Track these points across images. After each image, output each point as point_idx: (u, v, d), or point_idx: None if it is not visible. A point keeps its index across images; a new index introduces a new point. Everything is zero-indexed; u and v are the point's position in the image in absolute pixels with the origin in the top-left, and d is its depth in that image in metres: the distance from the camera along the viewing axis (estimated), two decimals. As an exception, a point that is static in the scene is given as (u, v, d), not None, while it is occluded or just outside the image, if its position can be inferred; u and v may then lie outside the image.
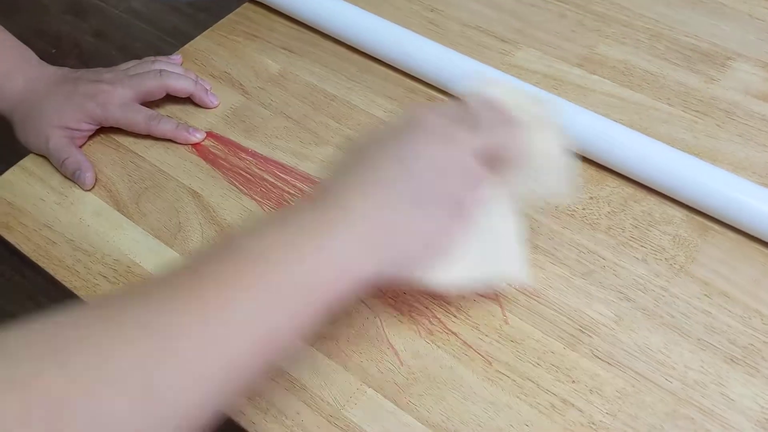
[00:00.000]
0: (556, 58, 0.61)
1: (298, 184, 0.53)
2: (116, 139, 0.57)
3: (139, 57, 0.60)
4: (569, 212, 0.51)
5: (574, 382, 0.43)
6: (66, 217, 0.52)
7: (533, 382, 0.43)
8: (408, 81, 0.61)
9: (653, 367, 0.44)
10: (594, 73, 0.60)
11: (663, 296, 0.46)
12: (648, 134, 0.53)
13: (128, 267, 0.49)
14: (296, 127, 0.58)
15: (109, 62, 0.59)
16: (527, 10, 0.66)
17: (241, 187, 0.53)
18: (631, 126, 0.54)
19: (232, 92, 0.60)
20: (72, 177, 0.53)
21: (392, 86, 0.60)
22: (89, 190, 0.54)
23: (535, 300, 0.47)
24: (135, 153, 0.56)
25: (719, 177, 0.49)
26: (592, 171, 0.53)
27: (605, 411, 0.42)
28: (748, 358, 0.44)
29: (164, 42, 1.51)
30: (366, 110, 0.59)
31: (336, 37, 0.63)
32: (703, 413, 0.42)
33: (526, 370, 0.44)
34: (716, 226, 0.50)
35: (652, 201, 0.51)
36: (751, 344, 0.44)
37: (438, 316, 0.46)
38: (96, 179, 0.54)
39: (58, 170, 0.54)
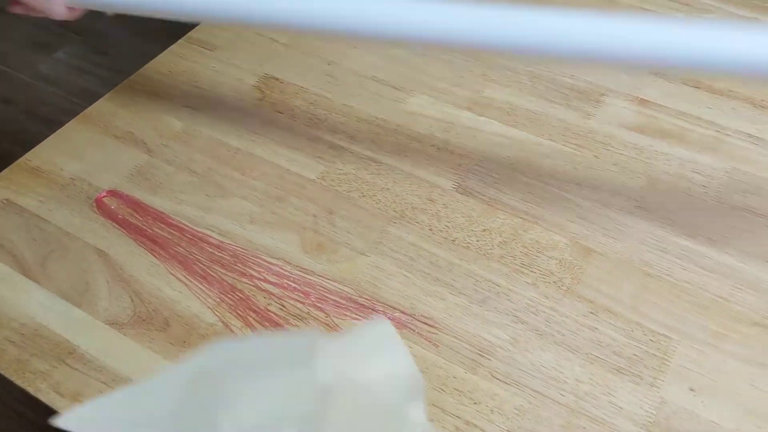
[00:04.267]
0: (447, 103, 0.66)
1: (200, 243, 0.55)
2: (19, 203, 0.57)
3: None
4: (465, 245, 0.54)
5: (476, 403, 0.46)
6: (-31, 285, 0.52)
7: (438, 407, 0.46)
8: (310, 130, 0.63)
9: (548, 383, 0.47)
10: (482, 115, 0.64)
11: (553, 316, 0.50)
12: (532, 168, 0.57)
13: (36, 330, 0.50)
14: (201, 181, 0.59)
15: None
16: (418, 59, 0.70)
17: (144, 245, 0.54)
18: (516, 161, 0.59)
19: (136, 151, 0.62)
20: None
21: (295, 136, 0.63)
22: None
23: (436, 329, 0.49)
24: (39, 216, 0.57)
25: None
26: (483, 205, 0.57)
27: (506, 429, 0.45)
28: (633, 367, 0.47)
29: (72, 103, 1.50)
30: (270, 160, 0.61)
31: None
32: (595, 422, 0.45)
33: (432, 396, 0.46)
34: (597, 249, 0.54)
35: (538, 230, 0.55)
36: (635, 354, 0.48)
37: (345, 353, 0.48)
38: None
39: None
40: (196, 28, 0.73)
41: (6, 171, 0.60)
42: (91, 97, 0.67)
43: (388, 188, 0.59)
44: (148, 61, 0.69)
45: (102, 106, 0.66)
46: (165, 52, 0.71)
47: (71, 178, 0.59)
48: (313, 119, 0.64)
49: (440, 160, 0.61)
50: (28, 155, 0.61)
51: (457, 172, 0.60)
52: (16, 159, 0.61)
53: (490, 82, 0.68)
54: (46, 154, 0.61)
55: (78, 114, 0.64)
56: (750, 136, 0.62)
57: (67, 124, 0.64)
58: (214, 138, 0.63)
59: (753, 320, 0.49)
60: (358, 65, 0.69)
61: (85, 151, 0.61)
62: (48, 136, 0.62)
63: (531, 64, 0.69)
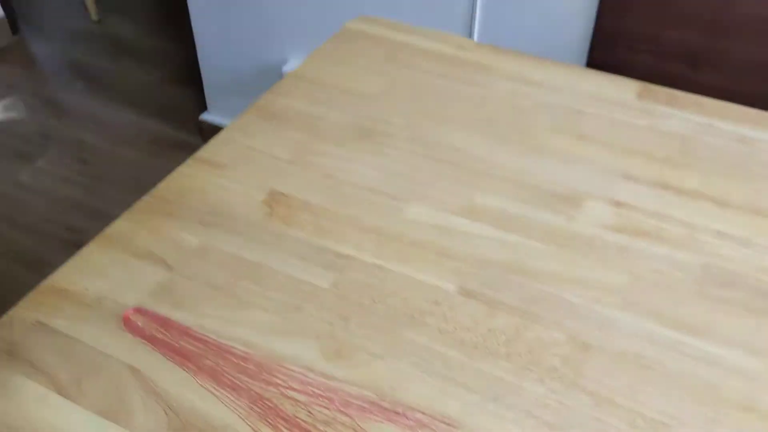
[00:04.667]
0: (442, 211, 0.71)
1: (226, 355, 0.58)
2: (50, 325, 0.60)
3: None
4: (473, 344, 0.59)
5: (499, 498, 0.49)
6: (6, 407, 0.54)
7: (465, 503, 0.49)
8: (318, 241, 0.68)
9: (563, 474, 0.51)
10: (476, 221, 0.70)
11: (561, 410, 0.54)
12: (526, 269, 0.63)
13: (74, 448, 0.52)
14: (221, 294, 0.63)
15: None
16: (412, 171, 0.76)
17: (174, 359, 0.58)
18: (510, 263, 0.64)
19: (157, 269, 0.65)
20: None
21: (305, 247, 0.67)
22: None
23: (455, 428, 0.53)
24: (70, 336, 0.59)
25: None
26: (485, 306, 0.62)
27: None
28: (638, 454, 0.52)
29: (58, 213, 1.53)
30: (284, 272, 0.65)
31: (248, 209, 0.70)
32: None
33: (457, 493, 0.49)
34: (594, 343, 0.59)
35: (539, 328, 0.60)
36: (638, 442, 0.52)
37: (374, 455, 0.51)
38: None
39: None
40: (203, 147, 0.79)
41: (33, 293, 0.63)
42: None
43: (396, 293, 0.63)
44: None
45: (120, 226, 0.70)
46: (175, 172, 0.76)
47: (97, 298, 0.62)
48: (319, 230, 0.69)
49: (441, 264, 0.66)
50: (54, 277, 0.64)
51: (457, 275, 0.65)
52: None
53: (478, 190, 0.74)
54: (71, 275, 0.65)
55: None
56: (718, 232, 0.69)
57: (88, 245, 0.68)
58: (230, 252, 0.67)
59: (744, 405, 0.55)
60: (355, 177, 0.75)
61: (108, 271, 0.65)
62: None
63: (516, 173, 0.76)
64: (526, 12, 1.34)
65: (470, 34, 1.41)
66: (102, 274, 0.65)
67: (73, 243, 1.52)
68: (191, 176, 0.75)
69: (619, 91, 0.88)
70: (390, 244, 0.68)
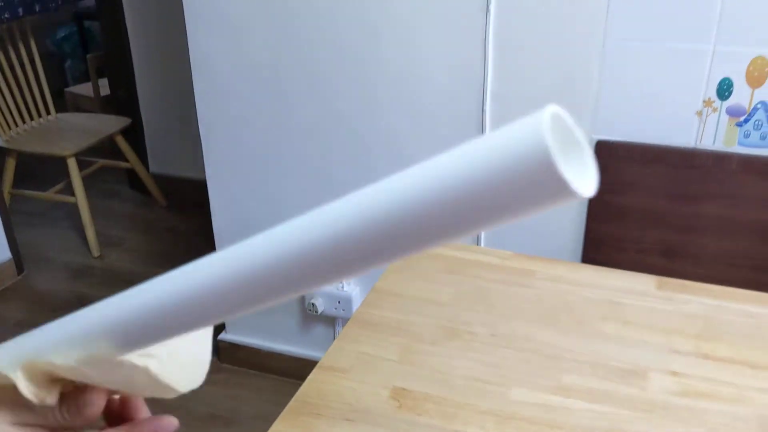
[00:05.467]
0: (539, 391, 0.87)
1: None
2: None
3: None
4: (605, 497, 0.72)
5: None
6: None
7: None
8: (447, 426, 0.81)
9: None
10: (569, 397, 0.86)
11: None
12: None
13: None
14: (384, 477, 0.75)
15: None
16: (502, 361, 0.92)
17: None
18: (607, 429, 0.79)
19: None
20: None
21: (439, 431, 0.81)
22: None
23: None
24: None
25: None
26: None
27: None
28: None
29: None
30: (427, 454, 0.78)
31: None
32: None
33: None
34: (700, 485, 0.73)
35: (653, 477, 0.74)
36: None
37: None
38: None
39: None
40: (324, 357, 0.93)
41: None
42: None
43: (526, 462, 0.77)
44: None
45: (277, 427, 0.82)
46: (308, 378, 0.89)
47: None
48: (446, 416, 0.83)
49: (552, 428, 0.80)
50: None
51: (569, 443, 0.79)
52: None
53: (561, 371, 0.90)
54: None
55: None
56: (760, 389, 0.87)
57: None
58: (379, 441, 0.80)
59: None
60: (459, 370, 0.90)
61: (283, 466, 0.76)
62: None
63: (590, 354, 0.93)
64: (525, 222, 1.59)
65: (477, 241, 1.64)
66: (278, 469, 0.76)
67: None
68: (324, 381, 0.89)
69: (641, 284, 1.09)
70: (508, 422, 0.82)
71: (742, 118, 1.33)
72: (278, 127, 1.75)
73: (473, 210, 0.30)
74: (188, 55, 1.72)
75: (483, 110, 1.51)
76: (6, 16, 2.32)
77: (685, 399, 0.85)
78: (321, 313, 1.90)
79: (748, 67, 1.28)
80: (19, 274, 2.57)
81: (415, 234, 0.32)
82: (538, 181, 0.29)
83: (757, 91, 1.30)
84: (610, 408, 0.84)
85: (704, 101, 1.35)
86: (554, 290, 1.08)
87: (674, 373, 0.90)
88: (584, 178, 0.30)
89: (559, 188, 0.28)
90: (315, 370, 0.92)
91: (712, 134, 1.36)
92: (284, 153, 1.79)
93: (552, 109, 0.30)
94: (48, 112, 2.93)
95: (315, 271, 0.35)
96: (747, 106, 1.32)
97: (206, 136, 1.83)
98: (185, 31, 1.70)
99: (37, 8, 2.46)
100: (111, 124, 2.92)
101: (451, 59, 1.51)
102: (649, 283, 1.09)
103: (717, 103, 1.33)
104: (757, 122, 1.32)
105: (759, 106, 1.31)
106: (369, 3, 1.53)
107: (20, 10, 2.39)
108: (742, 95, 1.31)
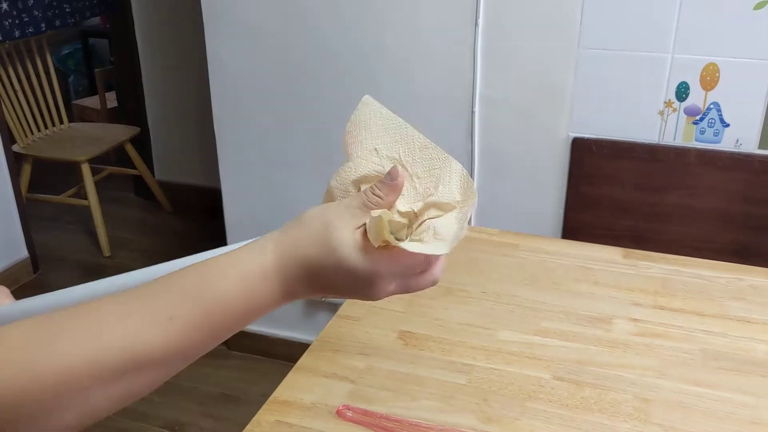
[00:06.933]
0: (522, 333, 1.04)
1: (417, 427, 0.86)
2: (287, 421, 0.87)
3: None
4: (574, 406, 0.89)
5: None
6: (282, 470, 0.79)
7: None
8: (448, 357, 0.98)
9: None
10: (547, 337, 1.03)
11: (645, 433, 0.84)
12: (592, 362, 0.95)
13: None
14: (396, 394, 0.92)
15: None
16: (491, 312, 1.09)
17: None
18: (580, 360, 0.97)
19: (343, 383, 0.94)
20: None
21: (435, 363, 0.98)
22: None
23: (583, 449, 0.82)
24: (302, 426, 0.86)
25: None
26: (573, 385, 0.93)
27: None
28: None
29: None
30: (431, 377, 0.95)
31: (392, 342, 1.01)
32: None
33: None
34: (650, 398, 0.90)
35: (613, 393, 0.92)
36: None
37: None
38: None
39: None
40: (341, 307, 1.10)
41: (267, 404, 0.90)
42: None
43: (512, 383, 0.93)
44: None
45: (304, 361, 0.99)
46: (328, 324, 1.06)
47: (312, 403, 0.90)
48: (444, 351, 1.00)
49: (535, 364, 0.97)
50: (275, 394, 0.92)
51: (548, 369, 0.96)
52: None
53: (541, 319, 1.07)
54: (287, 392, 0.92)
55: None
56: (703, 331, 1.04)
57: (288, 375, 0.96)
58: (389, 369, 0.97)
59: (750, 421, 0.86)
60: (455, 318, 1.08)
61: (312, 387, 0.93)
62: None
63: (560, 307, 1.10)
64: (513, 210, 1.77)
65: (468, 223, 1.81)
66: (308, 389, 0.93)
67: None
68: (341, 326, 1.06)
69: (609, 254, 1.27)
70: (497, 355, 0.99)
71: (697, 117, 1.52)
72: (291, 128, 1.93)
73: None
74: (194, 71, 1.90)
75: (473, 111, 1.70)
76: (30, 30, 2.49)
77: (642, 338, 1.03)
78: (324, 300, 2.06)
79: (702, 72, 1.48)
80: (35, 272, 2.72)
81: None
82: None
83: (710, 93, 1.49)
84: (579, 345, 1.01)
85: (665, 102, 1.54)
86: (535, 259, 1.26)
87: (634, 320, 1.07)
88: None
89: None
90: (333, 319, 1.09)
91: (672, 131, 1.55)
92: (297, 154, 1.96)
93: None
94: (61, 121, 3.10)
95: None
96: (702, 107, 1.51)
97: (220, 138, 2.01)
98: (192, 48, 1.88)
99: (58, 23, 2.62)
100: (121, 132, 3.09)
101: (446, 67, 1.70)
102: (617, 253, 1.27)
103: (676, 104, 1.53)
104: (710, 120, 1.51)
105: (712, 106, 1.50)
106: (375, 19, 1.72)
107: (43, 25, 2.55)
108: (697, 97, 1.51)
